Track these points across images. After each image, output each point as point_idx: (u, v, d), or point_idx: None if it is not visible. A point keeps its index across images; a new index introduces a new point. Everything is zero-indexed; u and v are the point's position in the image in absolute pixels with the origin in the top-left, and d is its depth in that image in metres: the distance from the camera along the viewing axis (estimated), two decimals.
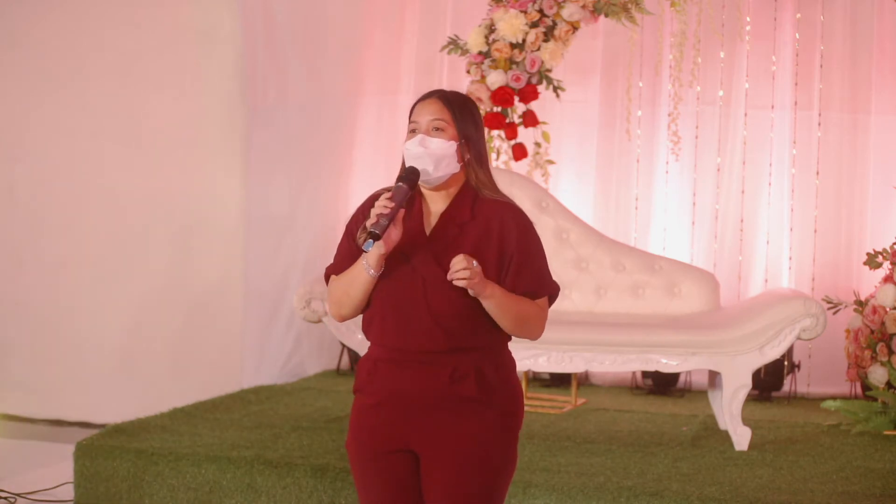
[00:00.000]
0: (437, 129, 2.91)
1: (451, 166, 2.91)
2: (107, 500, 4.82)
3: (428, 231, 2.92)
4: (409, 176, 2.87)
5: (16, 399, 7.16)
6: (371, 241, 2.78)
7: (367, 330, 2.97)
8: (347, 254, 2.97)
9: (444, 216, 2.93)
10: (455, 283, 2.78)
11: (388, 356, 2.92)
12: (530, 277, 2.92)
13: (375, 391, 2.93)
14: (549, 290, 2.96)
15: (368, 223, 2.80)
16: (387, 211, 2.79)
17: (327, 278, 3.03)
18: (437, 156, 2.88)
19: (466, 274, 2.76)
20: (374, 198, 2.97)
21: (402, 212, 2.84)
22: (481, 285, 2.80)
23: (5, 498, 4.96)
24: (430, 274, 2.87)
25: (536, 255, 2.94)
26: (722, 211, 6.72)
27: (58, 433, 6.77)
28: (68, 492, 4.97)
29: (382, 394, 2.92)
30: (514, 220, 2.93)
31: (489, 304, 2.85)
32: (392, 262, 2.87)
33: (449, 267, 2.82)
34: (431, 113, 2.92)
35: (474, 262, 2.78)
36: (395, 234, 2.83)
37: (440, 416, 2.89)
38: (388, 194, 2.83)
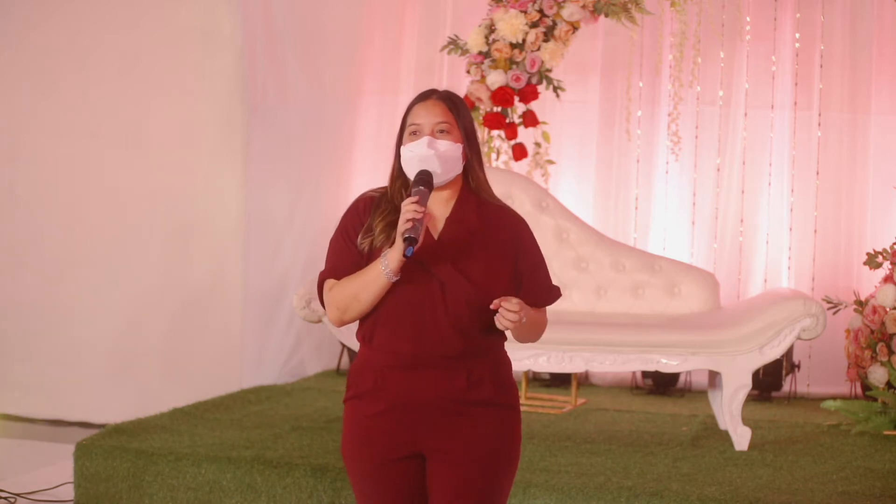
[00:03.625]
0: (443, 131, 2.88)
1: (456, 168, 2.90)
2: (107, 500, 4.82)
3: (436, 235, 2.89)
4: (426, 179, 2.84)
5: (16, 399, 7.16)
6: (411, 247, 2.73)
7: (368, 336, 2.90)
8: (347, 258, 2.89)
9: (451, 219, 2.90)
10: (500, 322, 2.75)
11: (398, 363, 2.86)
12: (539, 289, 2.94)
13: (383, 398, 2.87)
14: (555, 298, 2.97)
15: (402, 229, 2.74)
16: (419, 216, 2.75)
17: (321, 283, 2.94)
18: (445, 157, 2.86)
19: (516, 318, 2.74)
20: (363, 201, 2.94)
21: (428, 216, 2.81)
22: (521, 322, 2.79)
23: (5, 498, 4.96)
24: (449, 279, 2.83)
25: (542, 266, 2.96)
26: (722, 211, 6.72)
27: (58, 433, 6.77)
28: (68, 492, 4.97)
29: (392, 400, 2.86)
30: (525, 233, 2.94)
31: (521, 326, 2.83)
32: (405, 267, 2.81)
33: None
34: (435, 115, 2.89)
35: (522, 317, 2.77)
36: (420, 238, 2.79)
37: (454, 419, 2.86)
38: (414, 198, 2.77)
